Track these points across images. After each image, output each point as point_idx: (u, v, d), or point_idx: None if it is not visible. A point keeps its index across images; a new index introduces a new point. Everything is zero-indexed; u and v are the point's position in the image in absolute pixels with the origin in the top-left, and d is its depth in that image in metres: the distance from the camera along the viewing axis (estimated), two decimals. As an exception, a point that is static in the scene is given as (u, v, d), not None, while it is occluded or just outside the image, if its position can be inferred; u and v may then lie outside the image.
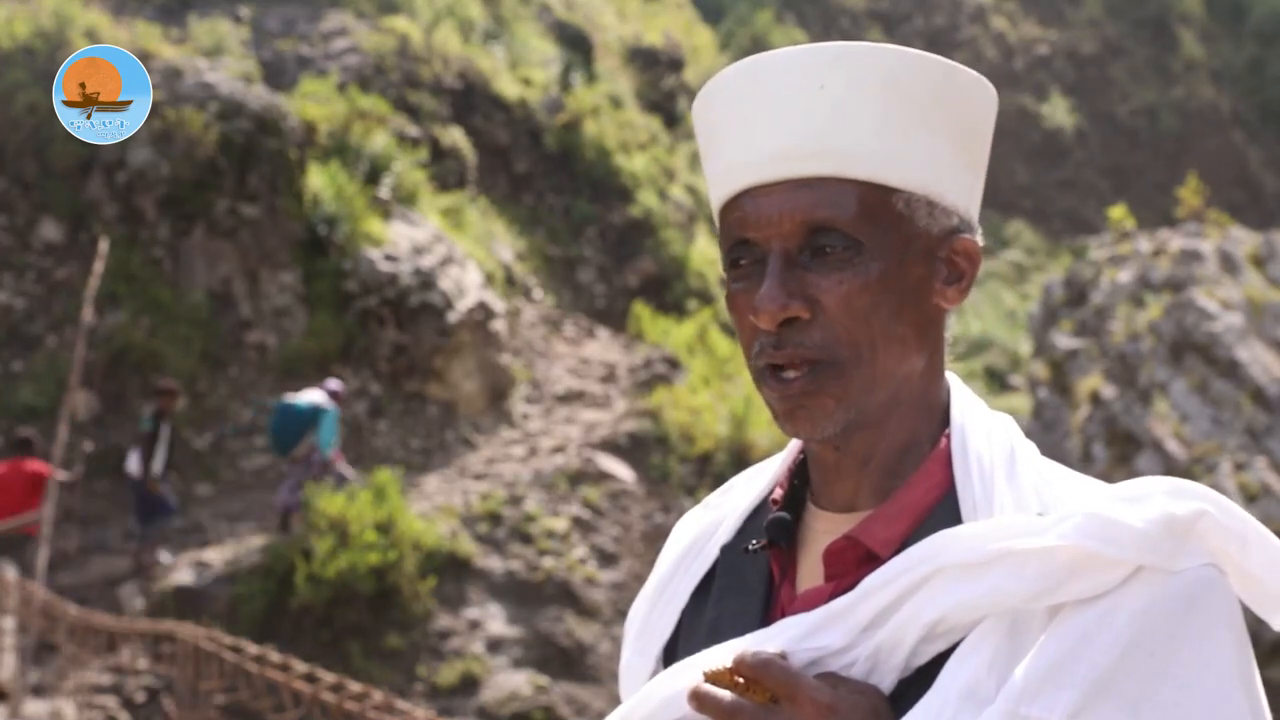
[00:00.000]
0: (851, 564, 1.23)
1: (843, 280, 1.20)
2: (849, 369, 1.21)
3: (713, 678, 1.15)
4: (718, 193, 1.28)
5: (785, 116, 1.22)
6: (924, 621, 1.14)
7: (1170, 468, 14.26)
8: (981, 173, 1.30)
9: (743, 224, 1.23)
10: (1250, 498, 13.89)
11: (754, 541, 1.31)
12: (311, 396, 12.44)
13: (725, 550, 1.35)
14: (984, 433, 1.27)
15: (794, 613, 1.22)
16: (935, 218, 1.24)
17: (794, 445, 1.36)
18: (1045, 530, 1.13)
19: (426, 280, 15.85)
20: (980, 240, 1.29)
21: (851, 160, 1.20)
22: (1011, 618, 1.13)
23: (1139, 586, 1.11)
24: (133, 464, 12.01)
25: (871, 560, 1.21)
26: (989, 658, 1.12)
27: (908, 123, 1.22)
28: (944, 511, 1.22)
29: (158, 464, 11.87)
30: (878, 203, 1.21)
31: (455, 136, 19.57)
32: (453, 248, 16.81)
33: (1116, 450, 15.36)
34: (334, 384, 12.94)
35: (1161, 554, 1.11)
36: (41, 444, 12.03)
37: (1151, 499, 1.13)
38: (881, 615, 1.16)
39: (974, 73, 1.26)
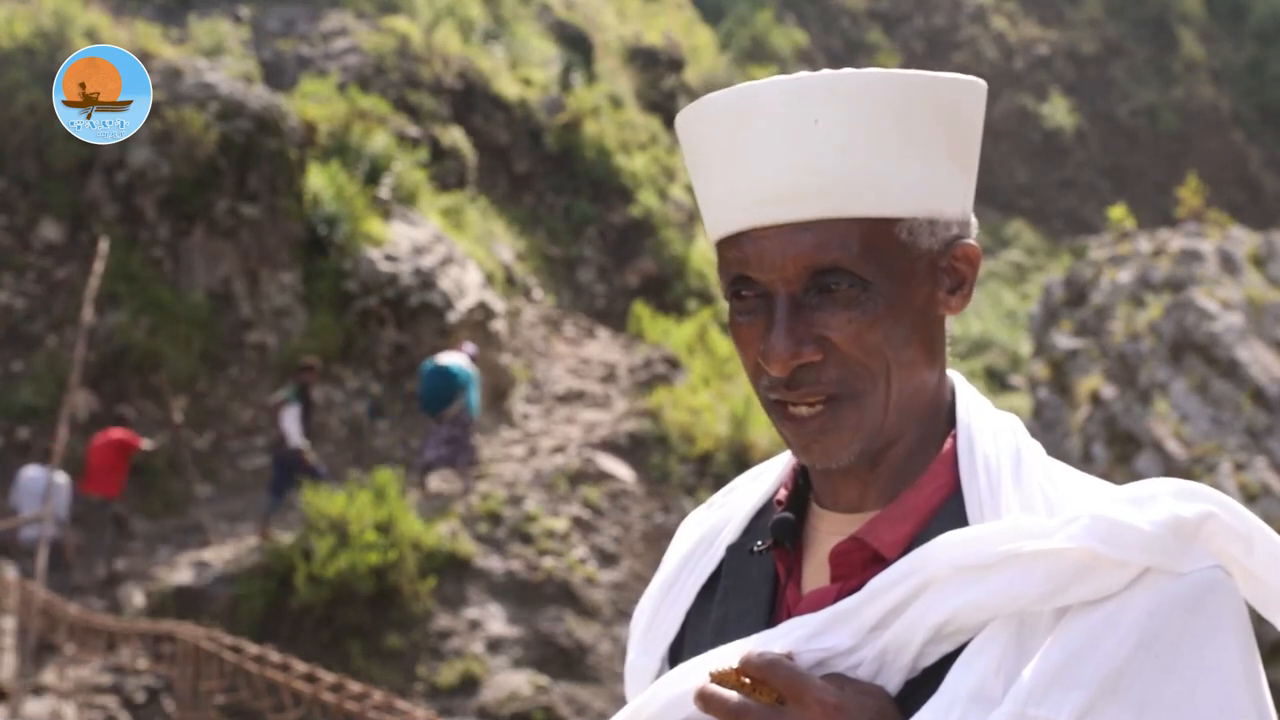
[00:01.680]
0: (858, 565, 1.22)
1: (852, 319, 1.18)
2: (865, 399, 1.20)
3: (719, 678, 1.15)
4: (715, 226, 1.26)
5: (781, 155, 1.19)
6: (931, 623, 1.14)
7: (1170, 468, 14.25)
8: (974, 170, 1.28)
9: (744, 263, 1.22)
10: (1250, 498, 13.88)
11: (759, 543, 1.31)
12: (456, 359, 13.10)
13: (731, 550, 1.34)
14: (990, 433, 1.26)
15: (800, 613, 1.22)
16: (936, 234, 1.23)
17: (797, 445, 1.36)
18: (1052, 532, 1.13)
19: (426, 280, 15.85)
20: (976, 233, 1.27)
21: (852, 198, 1.18)
22: (1018, 619, 1.13)
23: (1145, 588, 1.11)
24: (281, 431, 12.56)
25: (878, 562, 1.21)
26: (996, 659, 1.12)
27: (904, 148, 1.20)
28: (950, 513, 1.22)
29: (296, 437, 12.46)
30: (881, 236, 1.19)
31: (455, 136, 19.56)
32: (453, 248, 16.81)
33: (1116, 450, 15.35)
34: (470, 348, 13.62)
35: (1168, 556, 1.11)
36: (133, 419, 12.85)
37: (1158, 501, 1.13)
38: (888, 616, 1.16)
39: (962, 76, 1.24)
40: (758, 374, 1.23)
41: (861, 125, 1.18)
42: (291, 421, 12.49)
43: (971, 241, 1.26)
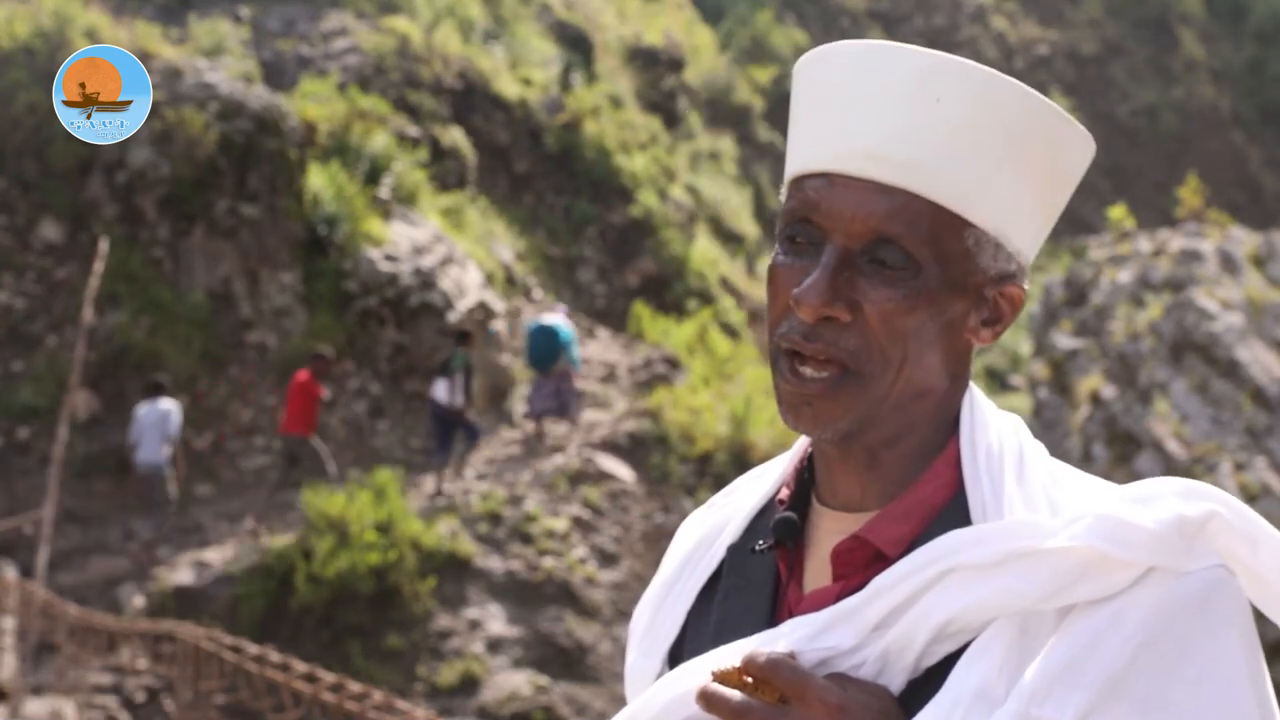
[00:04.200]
0: (860, 564, 1.22)
1: (891, 298, 1.18)
2: (870, 383, 1.20)
3: (721, 677, 1.14)
4: (797, 161, 1.25)
5: (892, 116, 1.19)
6: (934, 622, 1.14)
7: (1170, 468, 14.25)
8: (1051, 222, 1.28)
9: (813, 205, 1.21)
10: (1250, 498, 13.88)
11: (760, 542, 1.30)
12: (556, 319, 14.29)
13: (732, 550, 1.34)
14: (993, 434, 1.26)
15: (801, 613, 1.22)
16: (997, 260, 1.23)
17: (801, 444, 1.35)
18: (1056, 531, 1.13)
19: (426, 280, 15.85)
20: (1027, 287, 1.27)
21: (939, 182, 1.19)
22: (1022, 619, 1.13)
23: (1149, 588, 1.10)
24: (440, 392, 13.36)
25: (880, 560, 1.20)
26: (999, 659, 1.11)
27: (1003, 160, 1.20)
28: (953, 512, 1.21)
29: (459, 396, 13.33)
30: (949, 232, 1.19)
31: (455, 136, 19.56)
32: (453, 248, 16.81)
33: (1116, 450, 15.35)
34: (564, 307, 15.05)
35: (1172, 555, 1.10)
36: (330, 362, 13.35)
37: (1162, 500, 1.12)
38: (891, 615, 1.15)
39: (1081, 126, 1.24)
40: (779, 320, 1.23)
41: (974, 120, 1.19)
42: (453, 386, 13.23)
43: (1022, 288, 1.26)
